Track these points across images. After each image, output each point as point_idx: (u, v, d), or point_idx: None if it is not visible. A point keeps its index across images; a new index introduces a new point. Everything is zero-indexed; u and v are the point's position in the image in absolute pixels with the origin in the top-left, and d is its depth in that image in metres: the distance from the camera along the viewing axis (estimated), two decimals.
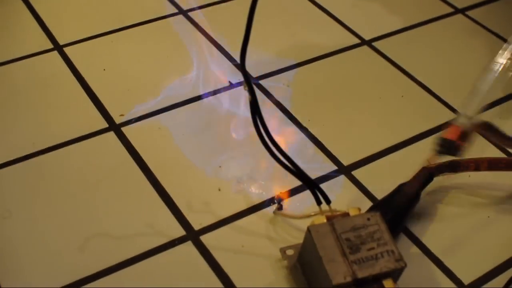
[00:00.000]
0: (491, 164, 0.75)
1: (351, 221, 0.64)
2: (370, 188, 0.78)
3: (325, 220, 0.64)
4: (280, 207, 0.73)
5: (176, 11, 1.05)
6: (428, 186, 0.74)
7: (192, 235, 0.72)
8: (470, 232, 0.74)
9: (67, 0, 1.07)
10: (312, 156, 0.82)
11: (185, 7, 1.06)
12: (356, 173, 0.79)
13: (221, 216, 0.74)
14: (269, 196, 0.76)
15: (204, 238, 0.71)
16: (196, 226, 0.73)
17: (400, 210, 0.72)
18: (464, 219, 0.76)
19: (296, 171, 0.66)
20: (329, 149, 0.82)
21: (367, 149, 0.82)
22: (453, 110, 0.89)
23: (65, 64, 0.93)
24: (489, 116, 0.86)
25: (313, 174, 0.78)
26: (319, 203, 0.66)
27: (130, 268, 0.68)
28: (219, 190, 0.76)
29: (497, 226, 0.75)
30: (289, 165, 0.66)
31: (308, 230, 0.63)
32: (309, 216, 0.69)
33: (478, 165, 0.75)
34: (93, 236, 0.71)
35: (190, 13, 1.04)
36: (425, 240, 0.73)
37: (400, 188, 0.73)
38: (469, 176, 0.79)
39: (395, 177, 0.78)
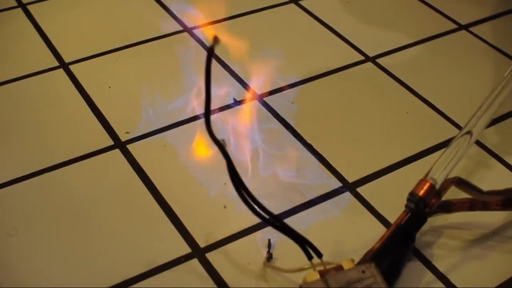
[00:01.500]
0: (485, 205, 0.74)
1: (345, 275, 0.62)
2: (375, 205, 0.78)
3: (318, 276, 0.62)
4: (269, 256, 0.71)
5: (181, 28, 1.05)
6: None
7: (198, 253, 0.72)
8: (467, 270, 0.73)
9: (73, 18, 1.08)
10: (317, 172, 0.82)
11: (189, 24, 1.06)
12: (361, 189, 0.79)
13: (227, 234, 0.74)
14: (275, 213, 0.76)
15: (210, 256, 0.71)
16: (202, 244, 0.73)
17: (396, 255, 0.69)
18: (460, 256, 0.74)
19: (284, 228, 0.65)
20: (333, 165, 0.82)
21: (372, 165, 0.83)
22: (457, 126, 0.89)
23: (71, 82, 0.94)
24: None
25: (318, 191, 0.79)
26: (310, 258, 0.64)
27: (136, 285, 0.68)
28: (225, 207, 0.76)
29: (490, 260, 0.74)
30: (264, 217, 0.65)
31: None
32: (301, 269, 0.66)
33: (473, 205, 0.74)
34: (98, 254, 0.71)
35: (194, 31, 1.05)
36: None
37: (395, 231, 0.71)
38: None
39: (400, 194, 0.78)
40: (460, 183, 0.72)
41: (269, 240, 0.72)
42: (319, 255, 0.64)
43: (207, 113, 0.61)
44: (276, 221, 0.65)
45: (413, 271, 0.71)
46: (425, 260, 0.72)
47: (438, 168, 0.71)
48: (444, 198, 0.73)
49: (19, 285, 0.68)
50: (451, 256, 0.73)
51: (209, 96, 0.61)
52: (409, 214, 0.69)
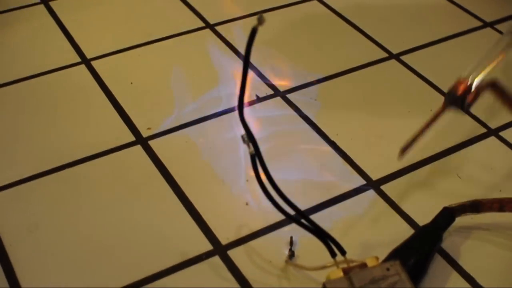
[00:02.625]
0: None
1: (370, 273, 0.60)
2: (399, 202, 0.77)
3: (341, 274, 0.61)
4: (291, 254, 0.70)
5: (203, 25, 1.05)
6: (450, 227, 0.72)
7: (219, 250, 0.71)
8: (495, 273, 0.71)
9: (95, 14, 1.08)
10: (340, 170, 0.81)
11: (212, 21, 1.06)
12: (385, 187, 0.78)
13: (249, 231, 0.73)
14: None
15: (232, 253, 0.71)
16: (224, 241, 0.72)
17: (422, 254, 0.68)
18: (490, 260, 0.72)
19: (307, 223, 0.63)
20: (357, 163, 0.81)
21: (396, 163, 0.81)
22: (482, 123, 0.88)
23: (93, 78, 0.93)
24: None
25: (341, 188, 0.78)
26: (333, 255, 0.63)
27: (157, 282, 0.68)
28: (247, 204, 0.76)
29: None
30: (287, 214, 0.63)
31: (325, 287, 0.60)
32: (324, 267, 0.64)
33: (503, 205, 0.72)
34: (120, 250, 0.71)
35: (217, 27, 1.04)
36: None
37: (421, 230, 0.71)
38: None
39: (424, 192, 0.78)
40: (495, 86, 0.71)
41: (291, 237, 0.71)
42: (343, 252, 0.63)
43: (241, 99, 0.60)
44: (300, 215, 0.63)
45: (439, 271, 0.70)
46: (451, 260, 0.71)
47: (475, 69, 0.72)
48: (473, 198, 0.73)
49: (40, 282, 0.68)
50: (478, 257, 0.72)
51: (246, 80, 0.60)
52: (446, 109, 0.71)
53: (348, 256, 0.63)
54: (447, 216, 0.71)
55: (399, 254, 0.66)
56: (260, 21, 0.55)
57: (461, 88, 0.69)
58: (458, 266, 0.70)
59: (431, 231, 0.70)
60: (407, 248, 0.68)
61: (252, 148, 0.59)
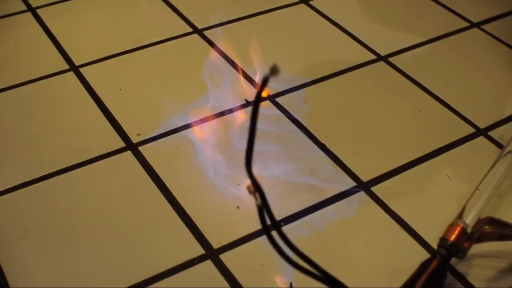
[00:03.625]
0: None
1: None
2: (389, 204, 0.77)
3: None
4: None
5: (191, 30, 1.05)
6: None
7: (212, 254, 0.71)
8: None
9: (82, 21, 1.08)
10: (331, 172, 0.81)
11: (200, 26, 1.06)
12: (375, 189, 0.79)
13: (240, 234, 0.73)
14: (289, 214, 0.75)
15: (224, 257, 0.71)
16: (215, 245, 0.72)
17: None
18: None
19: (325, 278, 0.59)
20: (347, 165, 0.82)
21: (386, 165, 0.82)
22: (471, 124, 0.88)
23: (81, 85, 0.93)
24: None
25: (332, 190, 0.78)
26: None
27: (150, 287, 0.68)
28: (238, 208, 0.76)
29: None
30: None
31: None
32: None
33: (503, 235, 0.70)
34: (111, 256, 0.71)
35: (205, 32, 1.04)
36: None
37: (425, 267, 0.67)
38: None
39: (414, 193, 0.78)
40: (493, 223, 0.69)
41: (290, 283, 0.70)
42: None
43: (249, 153, 0.55)
44: (321, 273, 0.59)
45: None
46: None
47: (470, 209, 0.69)
48: (462, 197, 0.73)
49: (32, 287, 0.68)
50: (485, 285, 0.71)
51: (254, 131, 0.54)
52: (441, 260, 0.66)
53: (340, 257, 0.63)
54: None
55: None
56: (274, 72, 0.52)
57: (454, 234, 0.66)
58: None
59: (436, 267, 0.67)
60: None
61: (259, 201, 0.56)
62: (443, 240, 0.66)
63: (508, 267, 0.72)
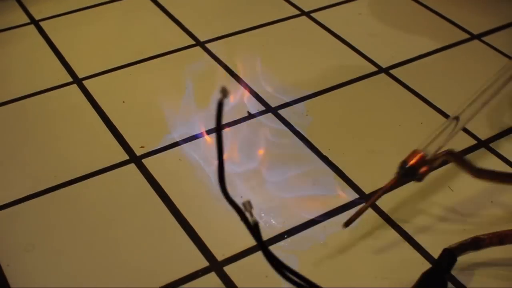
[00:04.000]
0: None
1: None
2: (392, 215, 0.77)
3: None
4: None
5: (194, 43, 1.06)
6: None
7: (216, 266, 0.71)
8: None
9: (85, 33, 1.08)
10: (333, 184, 0.81)
11: (202, 38, 1.06)
12: (378, 201, 0.79)
13: (244, 247, 0.73)
14: (291, 226, 0.76)
15: (228, 269, 0.71)
16: (219, 257, 0.72)
17: None
18: None
19: None
20: (350, 177, 0.82)
21: (388, 176, 0.82)
22: (472, 135, 0.89)
23: (85, 97, 0.94)
24: None
25: (334, 202, 0.79)
26: None
27: None
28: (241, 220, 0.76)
29: None
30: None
31: None
32: None
33: (503, 239, 0.71)
34: (115, 269, 0.71)
35: (207, 45, 1.05)
36: None
37: (425, 276, 0.68)
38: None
39: (416, 205, 0.78)
40: (452, 155, 0.72)
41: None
42: None
43: (221, 173, 0.57)
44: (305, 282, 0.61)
45: None
46: None
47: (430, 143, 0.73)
48: (465, 209, 0.74)
49: None
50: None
51: (222, 153, 0.56)
52: (398, 177, 0.71)
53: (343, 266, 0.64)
54: (448, 257, 0.69)
55: None
56: (225, 94, 0.52)
57: (413, 160, 0.70)
58: None
59: (435, 276, 0.68)
60: None
61: (254, 216, 0.57)
62: (403, 162, 0.71)
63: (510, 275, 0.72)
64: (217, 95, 0.55)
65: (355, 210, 0.74)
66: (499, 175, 0.75)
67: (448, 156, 0.72)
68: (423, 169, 0.70)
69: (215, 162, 0.79)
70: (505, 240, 0.71)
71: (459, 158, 0.73)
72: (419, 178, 0.70)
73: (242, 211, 0.56)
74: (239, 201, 0.77)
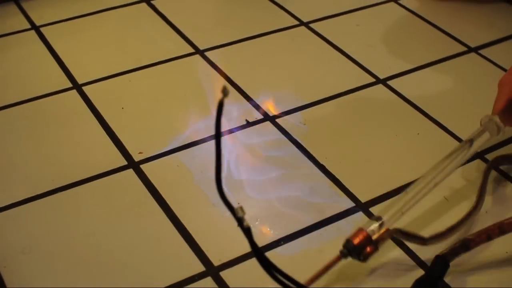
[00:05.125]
0: (502, 229, 0.72)
1: None
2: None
3: None
4: None
5: (193, 51, 1.06)
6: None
7: (212, 271, 0.72)
8: None
9: (86, 40, 1.09)
10: (330, 192, 0.82)
11: (201, 47, 1.07)
12: (374, 209, 0.80)
13: (240, 252, 0.74)
14: (287, 233, 0.76)
15: (224, 274, 0.72)
16: (216, 262, 0.73)
17: None
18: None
19: None
20: (346, 186, 0.83)
21: (384, 186, 0.83)
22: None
23: (84, 103, 0.95)
24: None
25: (331, 210, 0.79)
26: None
27: None
28: (238, 226, 0.76)
29: None
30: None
31: None
32: None
33: (490, 235, 0.72)
34: (112, 272, 0.72)
35: (206, 53, 1.06)
36: None
37: (418, 284, 0.69)
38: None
39: (412, 214, 0.79)
40: (399, 233, 0.71)
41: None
42: None
43: (219, 174, 0.57)
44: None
45: None
46: None
47: (386, 212, 0.71)
48: (459, 217, 0.75)
49: None
50: None
51: (220, 155, 0.57)
52: (343, 259, 0.68)
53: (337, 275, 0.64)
54: (441, 264, 0.70)
55: None
56: (225, 94, 0.54)
57: (358, 238, 0.68)
58: None
59: (429, 284, 0.69)
60: None
61: (247, 221, 0.58)
62: (348, 241, 0.68)
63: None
64: (215, 103, 0.56)
65: (351, 219, 0.75)
66: (445, 234, 0.74)
67: (397, 234, 0.71)
68: (368, 249, 0.68)
69: (213, 168, 0.80)
70: (492, 235, 0.72)
71: (406, 235, 0.72)
72: (364, 258, 0.68)
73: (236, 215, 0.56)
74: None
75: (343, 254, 0.68)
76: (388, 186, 0.83)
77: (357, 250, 0.67)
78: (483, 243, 0.72)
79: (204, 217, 0.78)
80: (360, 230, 0.68)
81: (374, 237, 0.68)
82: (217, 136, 0.55)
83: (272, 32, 1.12)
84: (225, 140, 0.89)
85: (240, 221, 0.56)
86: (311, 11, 1.18)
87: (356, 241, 0.67)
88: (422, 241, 0.72)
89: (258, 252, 0.59)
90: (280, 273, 0.62)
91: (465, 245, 0.71)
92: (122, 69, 1.01)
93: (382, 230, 0.69)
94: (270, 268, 0.61)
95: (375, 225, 0.69)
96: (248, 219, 0.59)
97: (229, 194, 0.78)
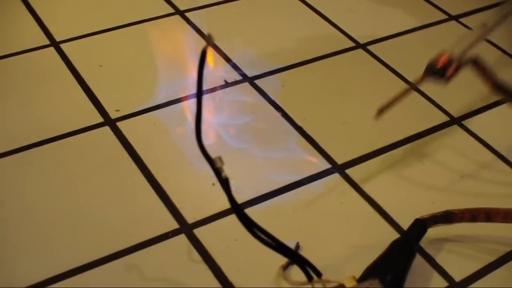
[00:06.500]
0: (489, 216, 0.72)
1: None
2: (363, 186, 0.78)
3: None
4: (287, 265, 0.68)
5: (173, 11, 1.05)
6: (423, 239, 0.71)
7: (186, 228, 0.72)
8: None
9: None
10: (307, 154, 0.82)
11: (181, 7, 1.06)
12: (350, 171, 0.80)
13: (215, 211, 0.74)
14: (263, 192, 0.76)
15: (198, 232, 0.72)
16: (190, 220, 0.73)
17: (398, 269, 0.66)
18: (466, 267, 0.72)
19: (282, 248, 0.62)
20: (323, 147, 0.83)
21: (361, 148, 0.83)
22: (445, 112, 0.90)
23: (62, 60, 0.94)
24: None
25: (307, 171, 0.79)
26: (310, 278, 0.63)
27: (122, 259, 0.68)
28: (213, 184, 0.76)
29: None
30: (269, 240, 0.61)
31: None
32: (302, 285, 0.64)
33: (474, 216, 0.71)
34: (85, 227, 0.71)
35: (186, 14, 1.05)
36: None
37: (395, 244, 0.69)
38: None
39: (388, 176, 0.79)
40: (476, 63, 0.73)
41: (297, 243, 0.71)
42: (319, 274, 0.63)
43: (198, 125, 0.56)
44: (274, 242, 0.61)
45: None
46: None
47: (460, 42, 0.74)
48: (435, 183, 0.76)
49: (5, 256, 0.68)
50: (451, 267, 0.71)
51: (201, 103, 0.55)
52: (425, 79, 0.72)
53: (311, 240, 0.64)
54: (419, 228, 0.70)
55: (375, 271, 0.65)
56: (210, 41, 0.53)
57: (441, 61, 0.70)
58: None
59: (405, 245, 0.69)
60: (383, 264, 0.66)
61: (225, 173, 0.56)
62: (430, 64, 0.72)
63: (476, 252, 0.73)
64: (194, 63, 0.55)
65: (327, 180, 0.75)
66: None
67: (474, 63, 0.73)
68: (450, 72, 0.71)
69: (190, 127, 0.80)
70: (477, 218, 0.72)
71: (483, 68, 0.74)
72: (446, 81, 0.71)
73: (214, 166, 0.55)
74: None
75: (427, 75, 0.72)
76: (364, 149, 0.83)
77: (440, 71, 0.71)
78: (466, 221, 0.72)
79: (180, 175, 0.78)
80: (443, 52, 0.72)
81: (455, 60, 0.71)
82: (199, 84, 0.54)
83: None
84: (204, 99, 0.88)
85: (218, 172, 0.55)
86: None
87: (439, 63, 0.72)
88: (494, 80, 0.75)
89: (234, 203, 0.58)
90: (256, 227, 0.61)
91: (447, 217, 0.71)
92: (101, 28, 1.01)
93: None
94: (241, 215, 0.60)
95: (456, 50, 0.73)
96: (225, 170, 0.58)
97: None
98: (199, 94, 0.55)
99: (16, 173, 0.77)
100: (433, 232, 0.71)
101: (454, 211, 0.72)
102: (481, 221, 0.72)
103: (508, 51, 1.04)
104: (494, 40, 1.05)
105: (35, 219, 0.72)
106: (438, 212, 0.71)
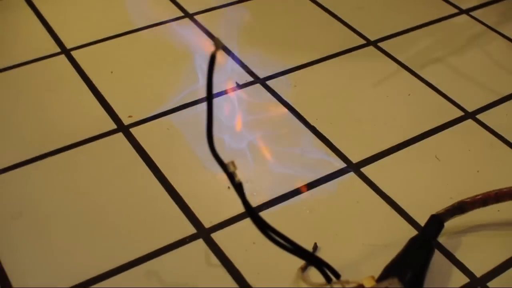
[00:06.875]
0: (499, 196, 0.72)
1: None
2: (378, 184, 0.78)
3: None
4: (305, 267, 0.68)
5: (182, 14, 1.05)
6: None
7: (203, 233, 0.72)
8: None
9: (74, 4, 1.08)
10: (321, 154, 0.82)
11: (191, 10, 1.06)
12: (365, 170, 0.80)
13: (231, 214, 0.74)
14: (279, 194, 0.76)
15: (215, 236, 0.72)
16: (207, 224, 0.73)
17: (417, 267, 0.66)
18: (487, 262, 0.71)
19: (298, 251, 0.61)
20: (337, 146, 0.82)
21: (375, 146, 0.83)
22: (459, 107, 0.89)
23: (73, 68, 0.94)
24: None
25: (322, 171, 0.79)
26: (329, 280, 0.63)
27: (141, 266, 0.68)
28: (229, 188, 0.76)
29: None
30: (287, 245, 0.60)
31: None
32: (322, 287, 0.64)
33: (485, 200, 0.72)
34: (103, 236, 0.71)
35: (196, 17, 1.05)
36: None
37: (413, 242, 0.69)
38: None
39: (403, 173, 0.79)
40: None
41: (315, 244, 0.71)
42: (337, 276, 0.63)
43: (210, 130, 0.56)
44: (290, 244, 0.61)
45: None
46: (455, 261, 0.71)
47: None
48: (451, 178, 0.76)
49: (24, 268, 0.68)
50: (474, 257, 0.71)
51: (211, 108, 0.55)
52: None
53: (325, 241, 0.64)
54: (436, 223, 0.70)
55: (394, 270, 0.65)
56: (218, 46, 0.52)
57: None
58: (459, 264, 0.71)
59: (423, 242, 0.69)
60: (401, 263, 0.66)
61: (239, 177, 0.56)
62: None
63: (496, 245, 0.73)
64: (205, 66, 0.55)
65: (343, 179, 0.75)
66: None
67: None
68: None
69: (203, 131, 0.80)
70: (488, 201, 0.72)
71: None
72: None
73: (228, 170, 0.55)
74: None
75: None
76: (379, 147, 0.83)
77: None
78: (478, 207, 0.72)
79: (195, 179, 0.78)
80: None
81: None
82: (209, 90, 0.54)
83: None
84: (216, 102, 0.88)
85: (231, 176, 0.55)
86: None
87: None
88: None
89: (249, 208, 0.58)
90: (271, 230, 0.61)
91: (461, 207, 0.71)
92: (111, 34, 1.01)
93: None
94: (256, 219, 0.60)
95: None
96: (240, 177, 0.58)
97: (221, 154, 0.78)
98: (209, 98, 0.54)
99: (32, 183, 0.77)
100: (450, 225, 0.71)
101: (465, 200, 0.72)
102: (492, 203, 0.72)
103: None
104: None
105: (53, 229, 0.72)
106: (451, 205, 0.71)
